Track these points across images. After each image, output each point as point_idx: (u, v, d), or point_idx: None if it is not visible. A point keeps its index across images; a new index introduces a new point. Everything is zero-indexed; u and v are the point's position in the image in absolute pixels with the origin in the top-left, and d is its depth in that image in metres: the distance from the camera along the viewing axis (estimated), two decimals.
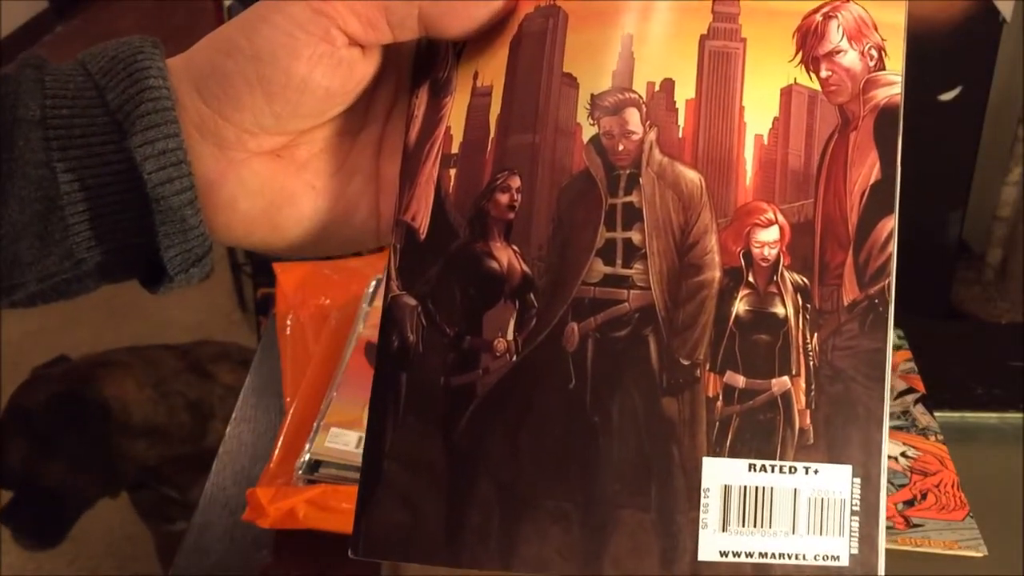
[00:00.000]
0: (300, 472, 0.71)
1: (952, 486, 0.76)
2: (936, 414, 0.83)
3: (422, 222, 0.36)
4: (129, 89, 0.34)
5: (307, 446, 0.72)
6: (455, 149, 0.37)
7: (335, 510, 0.68)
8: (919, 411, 0.84)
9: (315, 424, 0.75)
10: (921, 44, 1.63)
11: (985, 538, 0.72)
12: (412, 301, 0.36)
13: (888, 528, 0.72)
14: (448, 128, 0.37)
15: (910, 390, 0.86)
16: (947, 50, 1.62)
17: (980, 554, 0.71)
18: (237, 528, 0.72)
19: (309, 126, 0.37)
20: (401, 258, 0.36)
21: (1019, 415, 0.85)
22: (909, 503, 0.75)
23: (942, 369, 0.87)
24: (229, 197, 0.36)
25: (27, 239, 0.34)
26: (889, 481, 0.76)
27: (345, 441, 0.72)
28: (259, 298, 1.84)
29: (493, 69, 0.37)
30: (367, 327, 0.86)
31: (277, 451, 0.75)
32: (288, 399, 0.81)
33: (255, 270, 1.86)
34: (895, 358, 0.90)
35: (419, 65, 0.38)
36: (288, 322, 0.90)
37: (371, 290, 0.90)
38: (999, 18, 1.60)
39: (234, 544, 0.72)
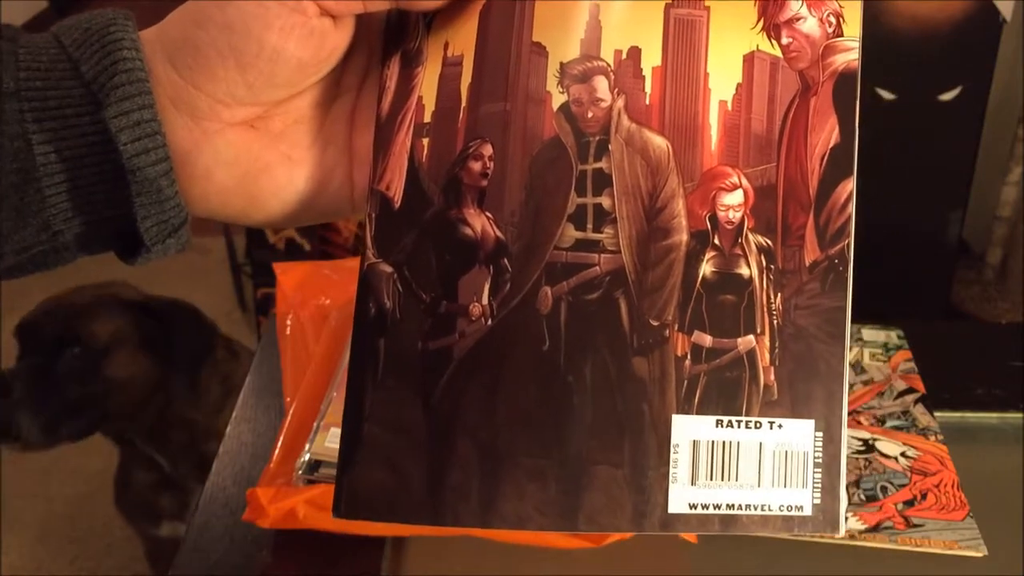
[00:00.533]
0: (300, 472, 0.71)
1: (952, 486, 0.76)
2: (936, 414, 0.83)
3: (396, 191, 0.37)
4: (103, 60, 0.34)
5: (307, 446, 0.72)
6: (427, 118, 0.37)
7: None
8: (919, 411, 0.84)
9: (315, 424, 0.75)
10: (921, 44, 1.63)
11: (985, 538, 0.72)
12: (388, 268, 0.37)
13: (888, 528, 0.73)
14: (420, 98, 0.38)
15: (910, 390, 0.86)
16: (947, 50, 1.62)
17: (980, 554, 0.71)
18: (237, 528, 0.72)
19: (282, 97, 0.37)
20: (376, 227, 0.37)
21: (1019, 415, 0.85)
22: (909, 503, 0.75)
23: (942, 369, 0.87)
24: (204, 168, 0.36)
25: (4, 211, 0.34)
26: (889, 481, 0.76)
27: None
28: (259, 298, 1.84)
29: (463, 38, 0.37)
30: None
31: (277, 451, 0.75)
32: (288, 399, 0.81)
33: (255, 270, 1.86)
34: (895, 358, 0.90)
35: (389, 36, 0.39)
36: (288, 322, 0.90)
37: None
38: (999, 18, 1.60)
39: (234, 544, 0.72)
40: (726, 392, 0.35)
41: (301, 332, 0.89)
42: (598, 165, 0.36)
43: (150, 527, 1.45)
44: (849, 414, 0.82)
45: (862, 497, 0.75)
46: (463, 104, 0.37)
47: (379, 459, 0.36)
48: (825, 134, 0.36)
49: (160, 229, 0.36)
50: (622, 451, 0.35)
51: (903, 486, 0.76)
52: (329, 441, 0.72)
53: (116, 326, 1.35)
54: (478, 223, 0.36)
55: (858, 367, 0.89)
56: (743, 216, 0.36)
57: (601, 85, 0.36)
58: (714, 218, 0.36)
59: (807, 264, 0.36)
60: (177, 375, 1.32)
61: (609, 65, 0.36)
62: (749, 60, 0.36)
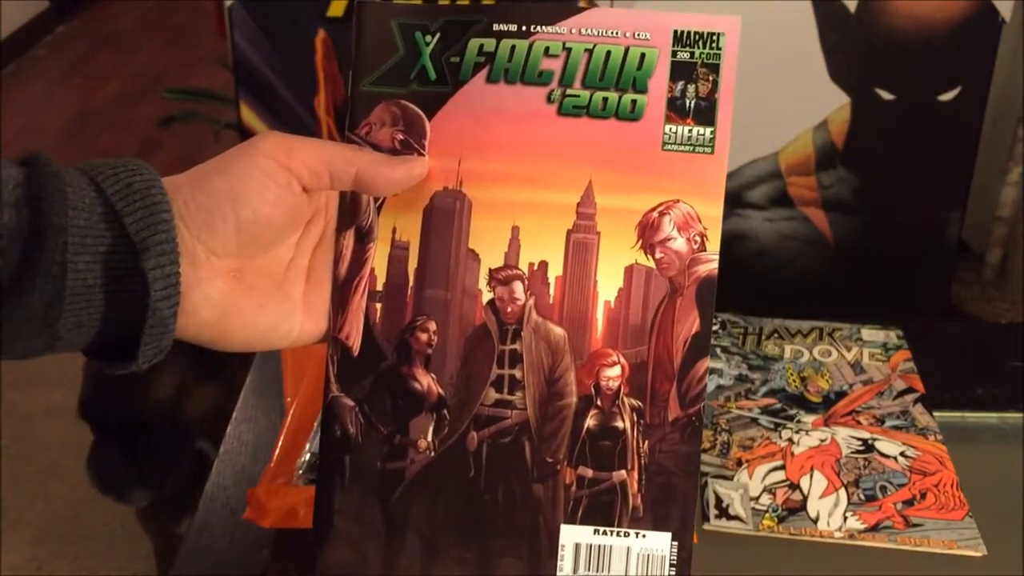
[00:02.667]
0: (300, 472, 0.71)
1: (951, 486, 0.76)
2: (936, 414, 0.83)
3: (354, 342, 0.49)
4: (147, 219, 0.41)
5: (307, 446, 0.73)
6: (379, 287, 0.49)
7: None
8: (918, 411, 0.84)
9: (315, 424, 0.75)
10: (921, 45, 1.63)
11: (985, 538, 0.72)
12: (350, 402, 0.49)
13: (887, 528, 0.73)
14: (372, 269, 0.49)
15: (909, 390, 0.86)
16: (946, 50, 1.62)
17: (979, 554, 0.71)
18: (238, 527, 0.72)
19: (259, 254, 0.46)
20: (339, 368, 0.49)
21: (1019, 415, 0.85)
22: (908, 503, 0.75)
23: (942, 369, 0.87)
24: (194, 305, 0.44)
25: (32, 324, 0.41)
26: (888, 481, 0.76)
27: None
28: None
29: (409, 229, 0.49)
30: None
31: (277, 451, 0.75)
32: (288, 399, 0.81)
33: None
34: (895, 358, 0.90)
35: (343, 212, 0.49)
36: None
37: None
38: (998, 18, 1.60)
39: (235, 543, 0.72)
40: (602, 510, 0.48)
41: None
42: (513, 346, 0.49)
43: (163, 526, 1.45)
44: (848, 414, 0.82)
45: (861, 497, 0.75)
46: (410, 283, 0.49)
47: (346, 543, 0.49)
48: (688, 324, 0.48)
49: (154, 352, 0.43)
50: (523, 548, 0.48)
51: (902, 486, 0.76)
52: None
53: (179, 376, 1.37)
54: (425, 381, 0.49)
55: (858, 367, 0.89)
56: (620, 384, 0.48)
57: (518, 288, 0.49)
58: (597, 386, 0.48)
59: (670, 420, 0.48)
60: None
61: (524, 273, 0.49)
62: (629, 270, 0.49)
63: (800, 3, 1.60)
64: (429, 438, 0.49)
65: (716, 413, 0.84)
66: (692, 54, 0.48)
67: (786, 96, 1.66)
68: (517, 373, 0.49)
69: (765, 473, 0.77)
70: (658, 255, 0.48)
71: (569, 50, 0.49)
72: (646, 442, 0.48)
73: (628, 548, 0.48)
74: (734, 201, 1.72)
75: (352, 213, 0.49)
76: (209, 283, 0.44)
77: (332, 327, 0.48)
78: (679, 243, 0.48)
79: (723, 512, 0.74)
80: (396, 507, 0.49)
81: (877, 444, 0.80)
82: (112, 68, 3.68)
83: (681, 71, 0.48)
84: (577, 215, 0.49)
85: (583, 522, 0.48)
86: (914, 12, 1.60)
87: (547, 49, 0.49)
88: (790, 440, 0.81)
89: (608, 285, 0.49)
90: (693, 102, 0.48)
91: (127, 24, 4.15)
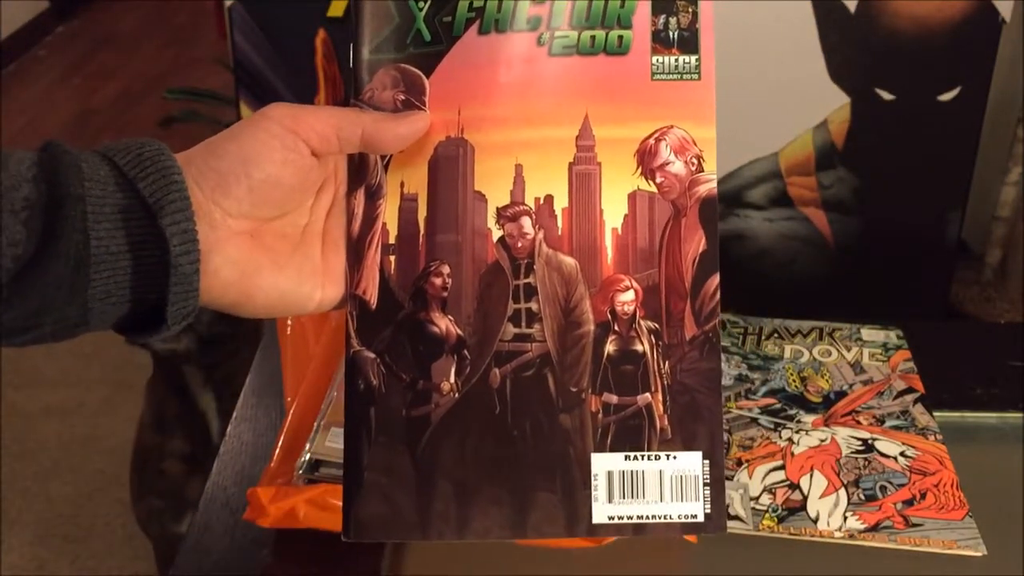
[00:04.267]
0: (300, 472, 0.71)
1: (951, 486, 0.76)
2: (935, 414, 0.84)
3: (371, 296, 0.50)
4: (159, 181, 0.43)
5: (307, 446, 0.73)
6: (392, 240, 0.50)
7: (335, 510, 0.68)
8: (918, 411, 0.84)
9: (315, 424, 0.75)
10: (920, 45, 1.63)
11: (984, 538, 0.72)
12: (371, 355, 0.49)
13: (887, 527, 0.73)
14: (384, 224, 0.50)
15: (909, 390, 0.86)
16: (946, 50, 1.62)
17: (979, 553, 0.71)
18: (238, 527, 0.72)
19: (274, 215, 0.48)
20: (358, 323, 0.49)
21: (1018, 415, 0.85)
22: (908, 503, 0.75)
23: (941, 369, 0.87)
24: (215, 266, 0.45)
25: (61, 292, 0.42)
26: (888, 481, 0.76)
27: None
28: None
29: (416, 182, 0.50)
30: None
31: (278, 451, 0.75)
32: (289, 399, 0.81)
33: None
34: (895, 358, 0.90)
35: (353, 173, 0.50)
36: (289, 322, 0.90)
37: None
38: (998, 18, 1.60)
39: (234, 543, 0.72)
40: (631, 435, 0.49)
41: (302, 332, 0.89)
42: (527, 280, 0.50)
43: (164, 527, 1.45)
44: (848, 414, 0.82)
45: (861, 497, 0.75)
46: (421, 232, 0.50)
47: (378, 497, 0.49)
48: (694, 244, 0.49)
49: (181, 314, 0.45)
50: (556, 481, 0.49)
51: (902, 486, 0.76)
52: (330, 441, 0.73)
53: None
54: (443, 324, 0.49)
55: (857, 367, 0.89)
56: (635, 308, 0.49)
57: (526, 223, 0.50)
58: (613, 311, 0.49)
59: (687, 339, 0.49)
60: None
61: (531, 209, 0.50)
62: (632, 197, 0.50)
63: (800, 3, 1.60)
64: (452, 380, 0.49)
65: None
66: None
67: (786, 96, 1.66)
68: (533, 306, 0.49)
69: (765, 473, 0.77)
70: (658, 179, 0.50)
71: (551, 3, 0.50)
72: (666, 363, 0.49)
73: (660, 471, 0.48)
74: (734, 201, 1.72)
75: (360, 173, 0.50)
76: (228, 243, 0.46)
77: (349, 284, 0.49)
78: (677, 166, 0.50)
79: None
80: (425, 453, 0.49)
81: (877, 444, 0.80)
82: (112, 68, 3.68)
83: (662, 6, 0.50)
84: (577, 148, 0.50)
85: (613, 449, 0.48)
86: (914, 12, 1.60)
87: None
88: (790, 440, 0.81)
89: (613, 213, 0.50)
90: (676, 33, 0.50)
91: (127, 24, 4.15)
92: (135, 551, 1.77)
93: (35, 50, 3.84)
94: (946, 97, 1.65)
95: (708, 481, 0.48)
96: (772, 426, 0.82)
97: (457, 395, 0.49)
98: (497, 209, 0.50)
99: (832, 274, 1.75)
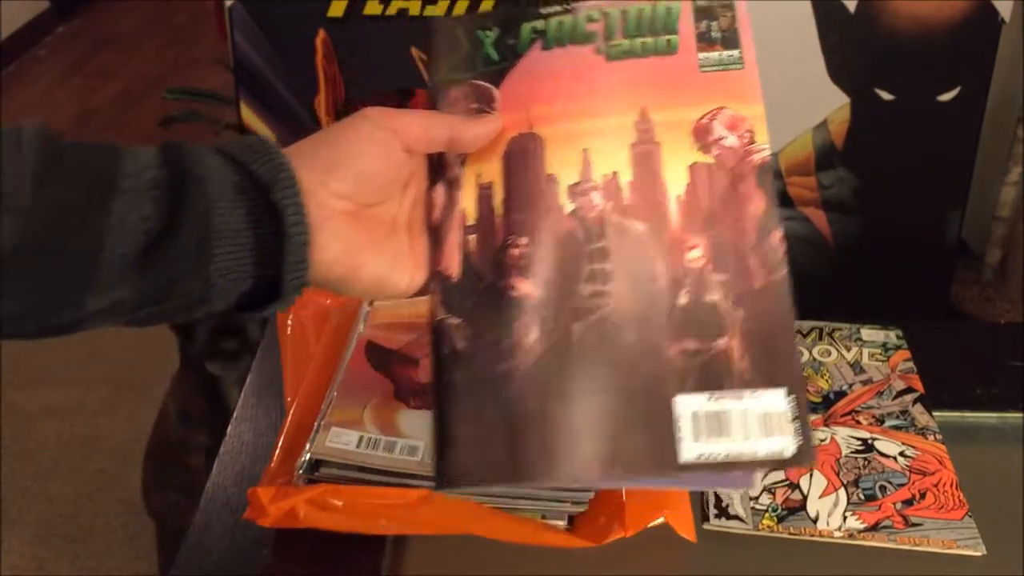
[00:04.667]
0: (300, 472, 0.71)
1: (951, 486, 0.76)
2: (935, 414, 0.84)
3: (454, 271, 0.54)
4: (268, 163, 0.48)
5: (308, 446, 0.73)
6: (471, 222, 0.54)
7: (336, 510, 0.68)
8: (918, 411, 0.84)
9: (316, 424, 0.75)
10: (920, 45, 1.63)
11: (984, 538, 0.72)
12: (456, 321, 0.53)
13: (887, 527, 0.73)
14: (463, 210, 0.55)
15: (909, 390, 0.86)
16: (946, 50, 1.62)
17: (978, 553, 0.71)
18: (238, 527, 0.72)
19: (370, 202, 0.53)
20: (442, 295, 0.53)
21: (1018, 415, 0.85)
22: (908, 502, 0.75)
23: (941, 369, 0.87)
24: (323, 241, 0.49)
25: (183, 265, 0.46)
26: (888, 481, 0.77)
27: (346, 441, 0.73)
28: None
29: (491, 172, 0.55)
30: (368, 327, 0.86)
31: (278, 450, 0.75)
32: (289, 399, 0.81)
33: None
34: (895, 358, 0.90)
35: (432, 169, 0.56)
36: (289, 322, 0.90)
37: None
38: (998, 18, 1.60)
39: (235, 543, 0.72)
40: (712, 378, 0.50)
41: (302, 332, 0.89)
42: (600, 245, 0.53)
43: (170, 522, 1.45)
44: (848, 414, 0.82)
45: (861, 496, 0.75)
46: (498, 213, 0.54)
47: (468, 448, 0.50)
48: (754, 205, 0.53)
49: (294, 284, 0.49)
50: (642, 424, 0.50)
51: (902, 485, 0.76)
52: (330, 441, 0.73)
53: None
54: (523, 288, 0.53)
55: (857, 367, 0.89)
56: (703, 264, 0.52)
57: (596, 196, 0.54)
58: (683, 268, 0.52)
59: (756, 288, 0.51)
60: None
61: (599, 184, 0.54)
62: (692, 168, 0.54)
63: (800, 3, 1.60)
64: (534, 336, 0.52)
65: None
66: (710, 1, 0.58)
67: (786, 96, 1.66)
68: (607, 266, 0.53)
69: (765, 473, 0.77)
70: (715, 152, 0.54)
71: (607, 14, 0.57)
72: (739, 310, 0.51)
73: (745, 410, 0.49)
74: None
75: (439, 169, 0.56)
76: (333, 220, 0.50)
77: (432, 263, 0.54)
78: (731, 140, 0.54)
79: (723, 512, 0.75)
80: (513, 405, 0.51)
81: (877, 444, 0.80)
82: (112, 68, 3.68)
83: (703, 13, 0.57)
84: (636, 132, 0.55)
85: (695, 391, 0.50)
86: (914, 12, 1.60)
87: (589, 16, 0.57)
88: None
89: (676, 182, 0.54)
90: (718, 33, 0.56)
91: (127, 24, 4.15)
92: (135, 551, 1.77)
93: (35, 50, 3.84)
94: (946, 97, 1.65)
95: (795, 416, 0.49)
96: None
97: (541, 349, 0.51)
98: (568, 187, 0.54)
99: (832, 274, 1.75)
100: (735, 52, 0.56)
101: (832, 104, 1.66)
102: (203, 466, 1.38)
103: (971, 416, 0.85)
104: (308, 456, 0.72)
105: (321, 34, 1.65)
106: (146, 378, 2.19)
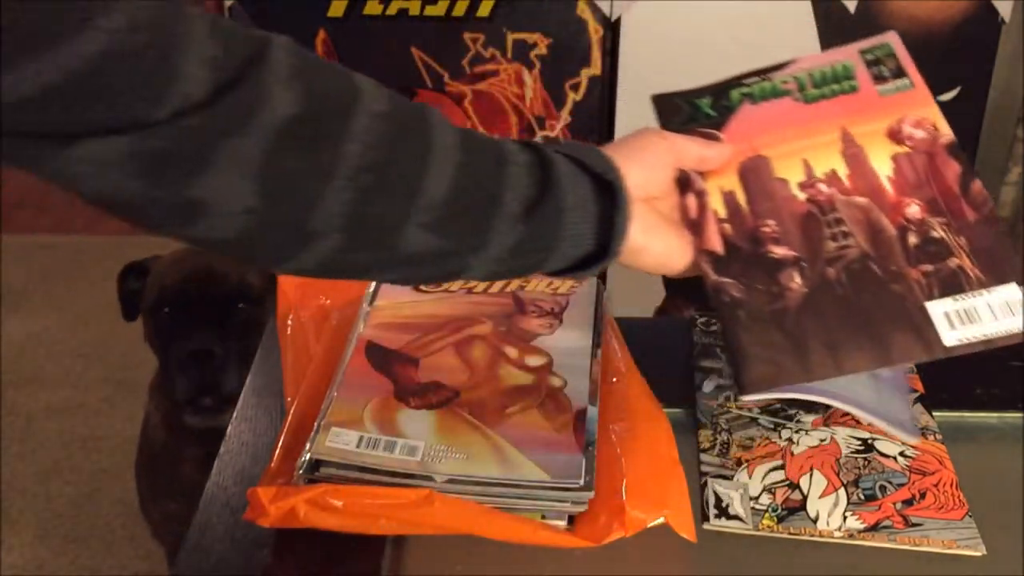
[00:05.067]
0: (301, 472, 0.71)
1: (951, 485, 0.76)
2: (935, 413, 0.84)
3: (718, 247, 0.69)
4: (592, 154, 0.64)
5: (308, 446, 0.73)
6: (722, 216, 0.71)
7: (336, 510, 0.68)
8: (918, 411, 0.84)
9: (316, 424, 0.75)
10: (920, 44, 1.63)
11: (984, 538, 0.72)
12: (730, 280, 0.69)
13: (887, 527, 0.73)
14: (714, 209, 0.71)
15: (909, 390, 0.86)
16: (946, 50, 1.62)
17: (979, 553, 0.71)
18: (238, 527, 0.72)
19: (653, 196, 0.69)
20: (712, 265, 0.69)
21: (1018, 415, 0.85)
22: (908, 502, 0.75)
23: (941, 369, 0.87)
24: (634, 214, 0.64)
25: (548, 231, 0.61)
26: (888, 481, 0.77)
27: (346, 441, 0.73)
28: None
29: (730, 183, 0.72)
30: (368, 327, 0.86)
31: (278, 451, 0.75)
32: (289, 399, 0.81)
33: None
34: None
35: (680, 186, 0.71)
36: (289, 322, 0.90)
37: (371, 290, 0.90)
38: (998, 18, 1.60)
39: (235, 543, 0.72)
40: (953, 287, 0.65)
41: (302, 332, 0.89)
42: (835, 215, 0.70)
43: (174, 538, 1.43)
44: (847, 413, 0.82)
45: (861, 496, 0.75)
46: (745, 208, 0.71)
47: (761, 361, 0.66)
48: (952, 169, 0.70)
49: (616, 250, 0.64)
50: (906, 325, 0.65)
51: (902, 485, 0.76)
52: (330, 441, 0.73)
53: (263, 275, 1.37)
54: (780, 251, 0.69)
55: None
56: (922, 215, 0.69)
57: (822, 187, 0.71)
58: (906, 219, 0.69)
59: (971, 221, 0.68)
60: None
61: (822, 178, 0.71)
62: (894, 157, 0.72)
63: (800, 3, 1.60)
64: (797, 281, 0.68)
65: (716, 413, 0.84)
66: (875, 55, 0.76)
67: None
68: (844, 228, 0.69)
69: (765, 473, 0.77)
70: (908, 144, 0.71)
71: (797, 78, 0.76)
72: (962, 237, 0.67)
73: (988, 303, 0.64)
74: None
75: (686, 185, 0.71)
76: (636, 204, 0.64)
77: (698, 245, 0.69)
78: (920, 134, 0.72)
79: (723, 512, 0.75)
80: (793, 328, 0.66)
81: (876, 444, 0.80)
82: None
83: (872, 62, 0.76)
84: (842, 143, 0.72)
85: (942, 296, 0.65)
86: (914, 12, 1.60)
87: (783, 80, 0.76)
88: (790, 440, 0.81)
89: (883, 168, 0.71)
90: (888, 71, 0.75)
91: None
92: (135, 551, 1.78)
93: None
94: (946, 97, 1.65)
95: None
96: (772, 426, 0.82)
97: (806, 289, 0.67)
98: (797, 183, 0.71)
99: None
100: (904, 80, 0.75)
101: None
102: (197, 474, 1.38)
103: (971, 416, 0.85)
104: (308, 456, 0.72)
105: (321, 34, 1.65)
106: (146, 378, 2.19)
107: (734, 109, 0.75)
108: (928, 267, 0.66)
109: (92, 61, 0.44)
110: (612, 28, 1.63)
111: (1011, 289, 0.64)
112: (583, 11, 1.62)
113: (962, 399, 0.86)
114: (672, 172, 0.69)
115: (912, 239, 0.67)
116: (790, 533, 0.73)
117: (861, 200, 0.70)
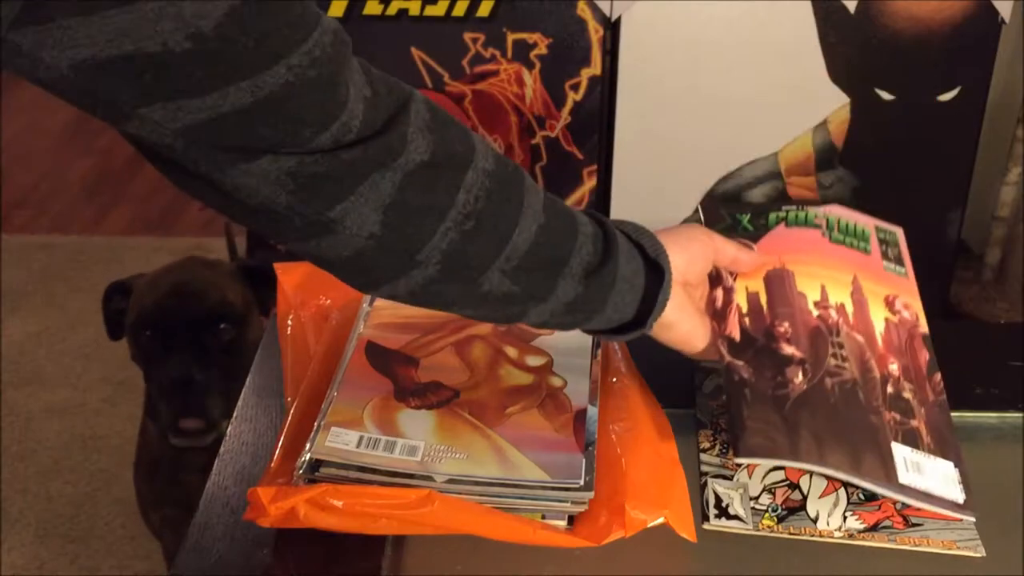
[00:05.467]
0: (301, 471, 0.71)
1: None
2: None
3: (735, 334, 0.78)
4: (648, 238, 0.71)
5: (308, 445, 0.73)
6: (744, 311, 0.80)
7: (336, 510, 0.68)
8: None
9: (316, 424, 0.75)
10: (920, 45, 1.63)
11: (984, 538, 0.72)
12: (741, 362, 0.77)
13: (887, 527, 0.73)
14: (738, 305, 0.80)
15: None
16: (946, 51, 1.62)
17: (978, 554, 0.71)
18: (238, 527, 0.72)
19: (689, 283, 0.77)
20: (728, 347, 0.77)
21: (1018, 415, 0.85)
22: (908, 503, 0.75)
23: (941, 369, 0.87)
24: (676, 312, 0.73)
25: (600, 290, 0.68)
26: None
27: (346, 441, 0.73)
28: None
29: (756, 286, 0.82)
30: (367, 327, 0.86)
31: (278, 450, 0.75)
32: (289, 399, 0.81)
33: None
34: None
35: (712, 280, 0.81)
36: (289, 322, 0.90)
37: None
38: (998, 19, 1.60)
39: (235, 543, 0.72)
40: (912, 440, 0.75)
41: (302, 332, 0.89)
42: (839, 339, 0.79)
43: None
44: None
45: (861, 496, 0.75)
46: (765, 308, 0.80)
47: (758, 435, 0.72)
48: (923, 355, 0.81)
49: (652, 322, 0.72)
50: (876, 453, 0.73)
51: None
52: (330, 441, 0.73)
53: (245, 294, 1.36)
54: (789, 349, 0.78)
55: None
56: (899, 375, 0.78)
57: (832, 312, 0.81)
58: (889, 371, 0.78)
59: (929, 400, 0.79)
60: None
61: (834, 305, 0.81)
62: (886, 320, 0.83)
63: (800, 3, 1.60)
64: (800, 378, 0.76)
65: (716, 413, 0.84)
66: (885, 236, 0.89)
67: (786, 96, 1.66)
68: (845, 352, 0.78)
69: (765, 473, 0.77)
70: (897, 317, 0.83)
71: (827, 218, 0.87)
72: (922, 408, 0.77)
73: (932, 466, 0.73)
74: (733, 201, 1.72)
75: (718, 279, 0.81)
76: (677, 286, 0.72)
77: (716, 332, 0.78)
78: (906, 314, 0.83)
79: (723, 512, 0.75)
80: (789, 414, 0.73)
81: None
82: None
83: (883, 242, 0.88)
84: (853, 287, 0.83)
85: (903, 443, 0.74)
86: (914, 12, 1.60)
87: (815, 215, 0.87)
88: None
89: (878, 324, 0.82)
90: (892, 253, 0.88)
91: None
92: (135, 551, 1.77)
93: None
94: (946, 97, 1.65)
95: (960, 480, 0.73)
96: None
97: (805, 386, 0.75)
98: (813, 302, 0.81)
99: None
100: (902, 268, 0.87)
101: (832, 104, 1.66)
102: (196, 480, 1.37)
103: (971, 416, 0.85)
104: (308, 456, 0.72)
105: None
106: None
107: (770, 228, 0.86)
108: (897, 416, 0.75)
109: (277, 90, 0.51)
110: (612, 28, 1.63)
111: (948, 466, 0.73)
112: (583, 11, 1.62)
113: (962, 399, 0.86)
114: (708, 265, 0.78)
115: (889, 389, 0.76)
116: (790, 533, 0.73)
117: (860, 338, 0.79)
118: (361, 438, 0.73)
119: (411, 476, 0.71)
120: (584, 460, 0.72)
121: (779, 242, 0.84)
